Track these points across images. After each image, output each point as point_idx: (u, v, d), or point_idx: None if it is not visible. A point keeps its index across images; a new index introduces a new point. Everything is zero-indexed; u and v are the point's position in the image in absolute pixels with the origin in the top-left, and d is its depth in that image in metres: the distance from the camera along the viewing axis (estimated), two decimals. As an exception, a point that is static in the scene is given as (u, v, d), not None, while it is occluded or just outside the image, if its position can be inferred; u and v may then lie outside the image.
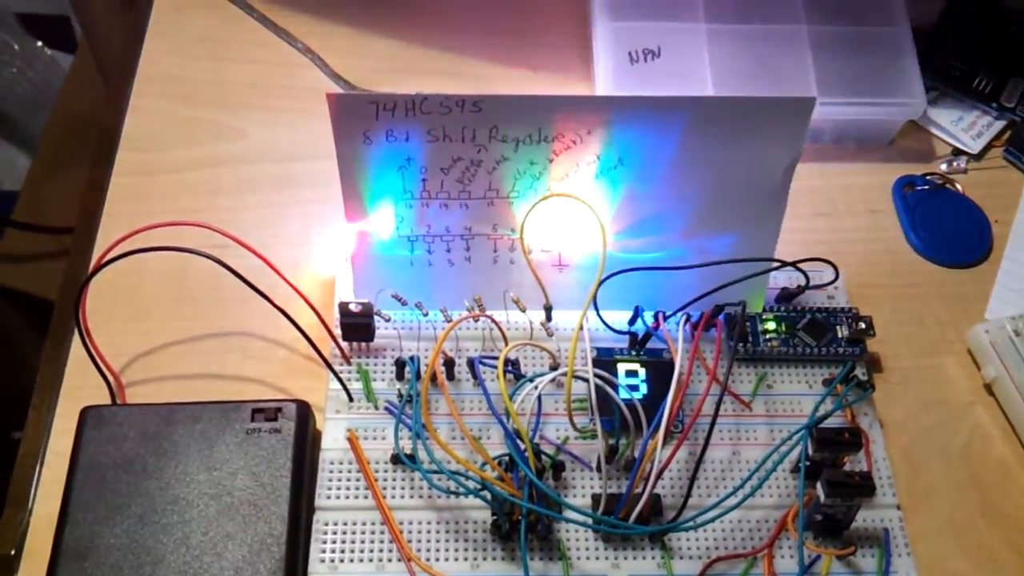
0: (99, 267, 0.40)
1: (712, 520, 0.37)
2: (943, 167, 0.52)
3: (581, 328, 0.39)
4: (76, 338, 0.42)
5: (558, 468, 0.39)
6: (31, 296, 0.69)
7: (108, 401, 0.41)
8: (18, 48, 0.83)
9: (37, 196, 0.71)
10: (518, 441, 0.37)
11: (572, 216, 0.41)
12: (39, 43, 0.84)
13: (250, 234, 0.41)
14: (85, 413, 0.39)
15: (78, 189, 0.69)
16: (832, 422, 0.39)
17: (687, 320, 0.42)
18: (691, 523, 0.37)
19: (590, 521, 0.37)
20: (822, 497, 0.36)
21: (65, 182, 0.71)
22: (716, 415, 0.37)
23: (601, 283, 0.40)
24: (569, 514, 0.37)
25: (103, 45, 0.68)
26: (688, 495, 0.37)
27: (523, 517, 0.35)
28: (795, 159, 0.40)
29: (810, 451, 0.38)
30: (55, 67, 0.85)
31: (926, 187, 0.51)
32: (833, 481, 0.36)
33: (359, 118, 0.38)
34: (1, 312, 0.70)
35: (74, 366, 0.43)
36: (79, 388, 0.42)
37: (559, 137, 0.39)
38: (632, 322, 0.42)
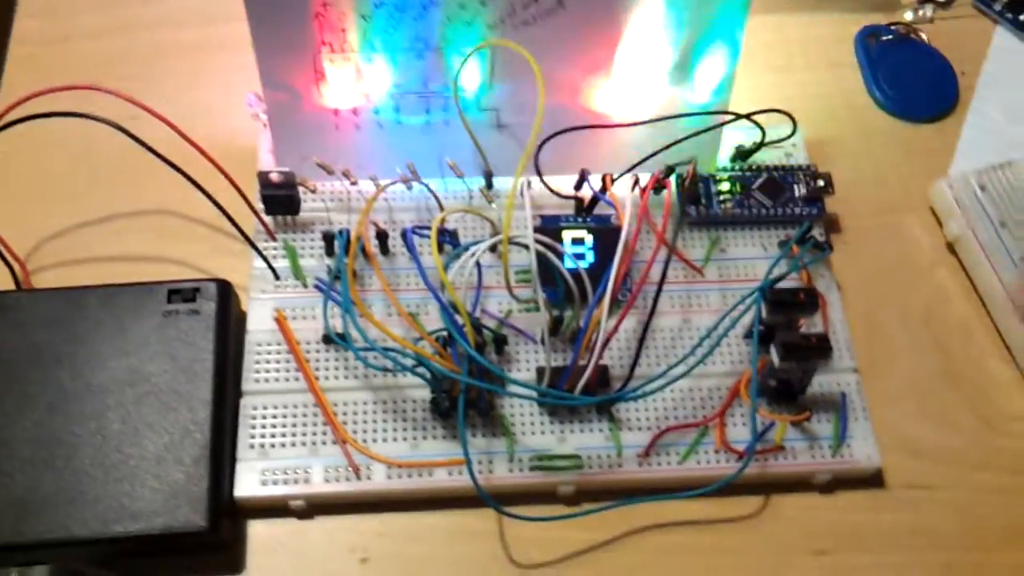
0: (-13, 139, 0.36)
1: (660, 388, 0.35)
2: (908, 16, 0.49)
3: (521, 192, 0.36)
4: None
5: (500, 342, 0.37)
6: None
7: (12, 288, 0.38)
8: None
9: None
10: (454, 315, 0.34)
11: (511, 67, 0.37)
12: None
13: (164, 103, 0.37)
14: (-14, 300, 0.36)
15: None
16: (788, 284, 0.37)
17: (636, 183, 0.39)
18: (639, 392, 0.35)
19: (534, 394, 0.35)
20: (776, 361, 0.34)
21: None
22: (663, 280, 0.35)
23: (543, 143, 0.37)
24: (511, 388, 0.35)
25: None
26: (635, 364, 0.36)
27: (462, 392, 0.33)
28: (747, -3, 0.36)
29: (764, 314, 0.36)
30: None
31: (890, 37, 0.48)
32: (788, 343, 0.34)
33: (268, -42, 0.34)
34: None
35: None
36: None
37: (492, -24, 0.35)
38: (578, 186, 0.40)
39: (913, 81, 0.47)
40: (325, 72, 0.37)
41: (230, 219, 0.37)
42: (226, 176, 0.37)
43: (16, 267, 0.38)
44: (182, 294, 0.36)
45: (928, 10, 0.49)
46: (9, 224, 0.38)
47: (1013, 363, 0.40)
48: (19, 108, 0.36)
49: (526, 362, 0.37)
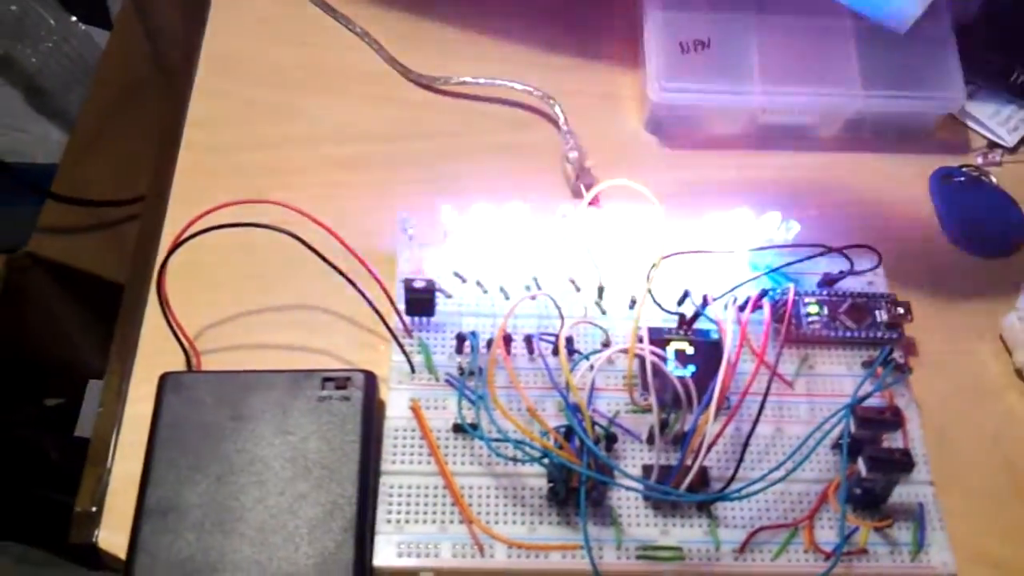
0: (177, 244, 0.42)
1: (759, 491, 0.39)
2: (979, 160, 0.53)
3: (631, 305, 0.41)
4: (149, 308, 0.45)
5: (611, 440, 0.41)
6: (66, 267, 0.71)
7: (182, 368, 0.43)
8: (55, 23, 0.85)
9: (75, 170, 0.73)
10: (577, 413, 0.39)
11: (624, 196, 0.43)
12: (73, 18, 0.86)
13: (313, 212, 0.42)
14: (164, 379, 0.41)
15: (114, 163, 0.72)
16: (871, 402, 0.41)
17: (734, 302, 0.44)
18: (740, 494, 0.39)
19: (643, 488, 0.39)
20: (863, 472, 0.38)
21: (105, 157, 0.73)
22: (767, 395, 0.39)
23: (654, 266, 0.42)
24: (625, 481, 0.39)
25: (158, 23, 0.70)
26: (738, 467, 0.40)
27: (581, 484, 0.38)
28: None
29: (852, 428, 0.40)
30: (89, 42, 0.87)
31: (962, 179, 0.52)
32: (875, 457, 0.38)
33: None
34: (38, 280, 0.72)
35: (146, 334, 0.45)
36: (153, 355, 0.44)
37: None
38: (680, 303, 0.44)
39: (983, 220, 0.51)
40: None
41: (381, 318, 0.42)
42: (377, 281, 0.42)
43: (189, 351, 0.43)
44: (335, 382, 0.41)
45: (996, 155, 0.54)
46: (180, 313, 0.43)
47: (1079, 484, 0.43)
48: (198, 222, 0.41)
49: (632, 459, 0.41)
